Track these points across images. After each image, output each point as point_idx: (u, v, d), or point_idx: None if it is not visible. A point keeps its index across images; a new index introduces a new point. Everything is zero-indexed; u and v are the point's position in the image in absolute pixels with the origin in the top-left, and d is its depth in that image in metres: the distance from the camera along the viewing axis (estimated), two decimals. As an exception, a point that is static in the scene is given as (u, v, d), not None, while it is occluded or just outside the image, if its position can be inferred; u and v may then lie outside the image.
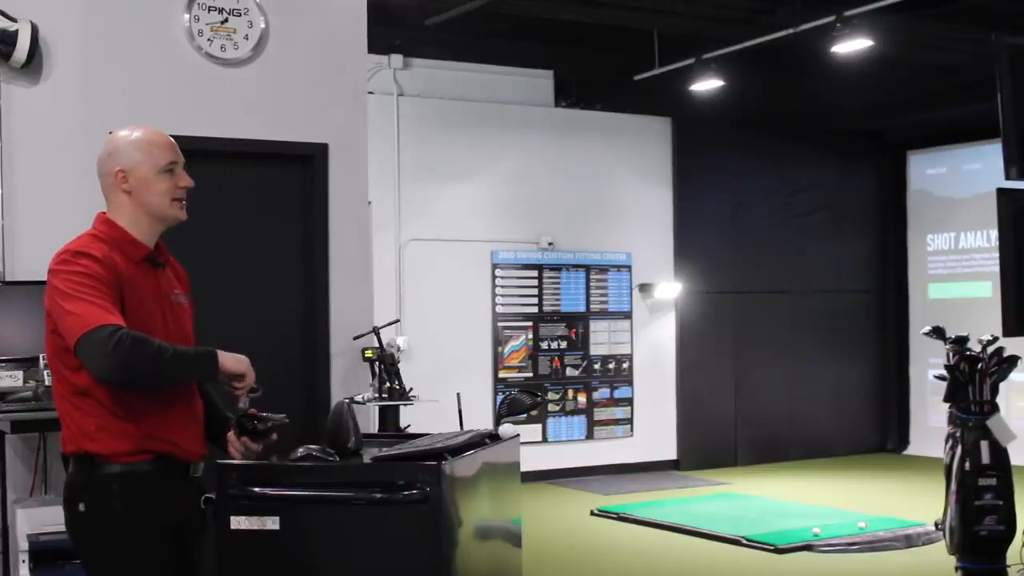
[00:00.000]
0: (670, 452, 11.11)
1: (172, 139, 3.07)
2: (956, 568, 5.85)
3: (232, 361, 2.91)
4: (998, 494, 5.74)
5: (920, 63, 9.70)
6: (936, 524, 6.17)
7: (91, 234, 2.97)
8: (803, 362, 11.76)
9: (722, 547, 7.55)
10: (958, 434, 5.86)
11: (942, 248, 12.09)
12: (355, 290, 5.71)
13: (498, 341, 10.28)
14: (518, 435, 3.64)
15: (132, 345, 2.74)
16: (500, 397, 9.88)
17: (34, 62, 4.92)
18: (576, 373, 10.66)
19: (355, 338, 5.69)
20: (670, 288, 11.01)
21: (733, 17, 8.51)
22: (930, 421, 11.84)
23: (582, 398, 10.67)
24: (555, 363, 10.56)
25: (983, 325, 6.67)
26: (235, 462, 2.99)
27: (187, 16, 5.29)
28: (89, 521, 2.90)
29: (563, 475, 10.33)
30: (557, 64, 10.48)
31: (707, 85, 9.50)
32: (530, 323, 10.44)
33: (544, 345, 10.51)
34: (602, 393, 10.78)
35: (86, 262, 2.84)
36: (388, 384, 6.64)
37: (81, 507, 2.90)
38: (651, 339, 11.05)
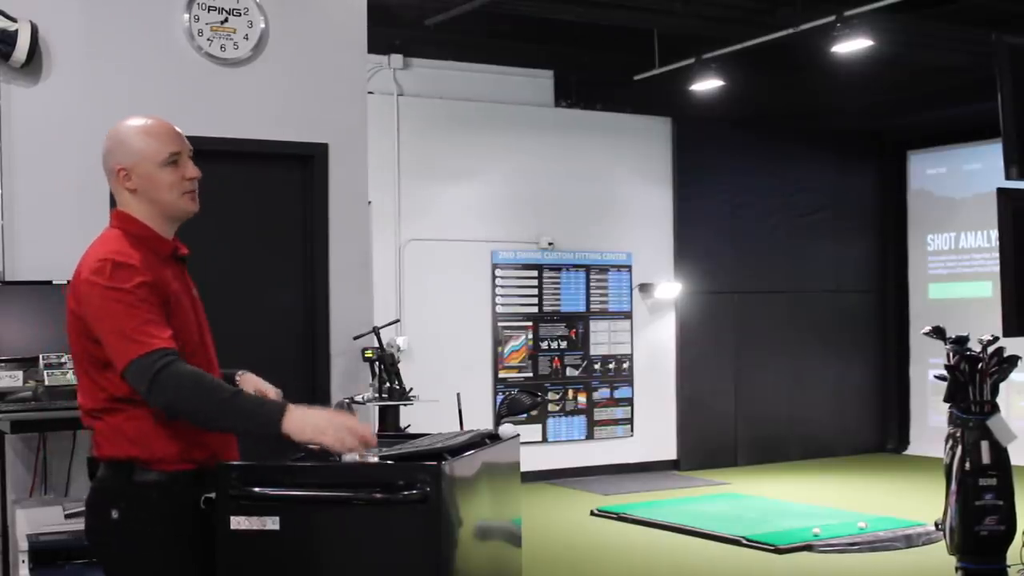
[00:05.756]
0: (670, 452, 11.11)
1: (175, 128, 2.83)
2: (956, 568, 5.85)
3: (311, 429, 2.66)
4: (998, 494, 5.74)
5: (920, 63, 9.70)
6: (936, 524, 6.17)
7: (119, 234, 2.76)
8: (803, 362, 11.76)
9: (722, 547, 7.55)
10: (958, 434, 5.86)
11: (942, 248, 12.08)
12: (355, 290, 5.72)
13: (498, 341, 10.28)
14: (518, 435, 3.63)
15: (180, 382, 2.59)
16: (500, 397, 9.88)
17: (34, 62, 4.93)
18: (576, 373, 10.66)
19: (355, 338, 5.69)
20: (670, 288, 11.00)
21: (733, 17, 8.50)
22: (930, 421, 11.84)
23: (582, 398, 10.66)
24: (555, 363, 10.56)
25: (983, 325, 6.68)
26: (235, 462, 2.99)
27: (187, 16, 5.29)
28: (121, 530, 2.72)
29: (563, 475, 10.33)
30: (557, 64, 10.47)
31: (707, 85, 9.50)
32: (530, 323, 10.44)
33: (544, 345, 10.50)
34: (602, 393, 10.77)
35: (127, 274, 2.64)
36: (388, 384, 6.62)
37: (114, 514, 2.71)
38: (651, 339, 11.05)
